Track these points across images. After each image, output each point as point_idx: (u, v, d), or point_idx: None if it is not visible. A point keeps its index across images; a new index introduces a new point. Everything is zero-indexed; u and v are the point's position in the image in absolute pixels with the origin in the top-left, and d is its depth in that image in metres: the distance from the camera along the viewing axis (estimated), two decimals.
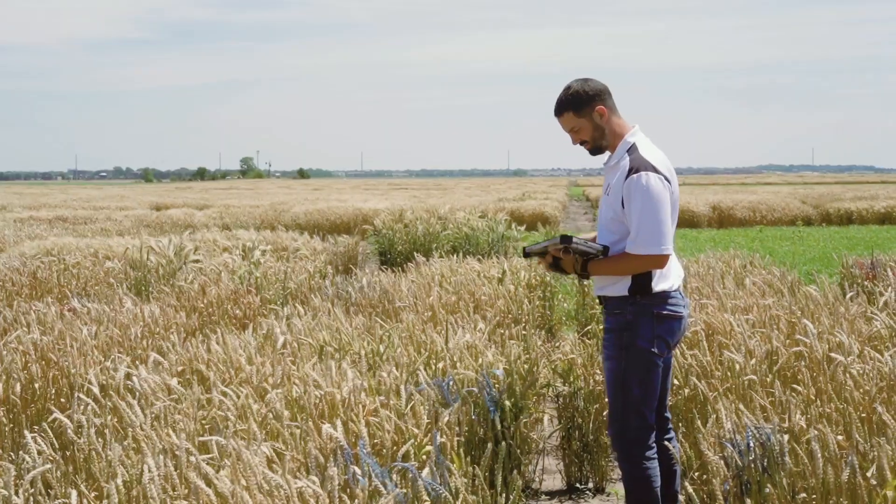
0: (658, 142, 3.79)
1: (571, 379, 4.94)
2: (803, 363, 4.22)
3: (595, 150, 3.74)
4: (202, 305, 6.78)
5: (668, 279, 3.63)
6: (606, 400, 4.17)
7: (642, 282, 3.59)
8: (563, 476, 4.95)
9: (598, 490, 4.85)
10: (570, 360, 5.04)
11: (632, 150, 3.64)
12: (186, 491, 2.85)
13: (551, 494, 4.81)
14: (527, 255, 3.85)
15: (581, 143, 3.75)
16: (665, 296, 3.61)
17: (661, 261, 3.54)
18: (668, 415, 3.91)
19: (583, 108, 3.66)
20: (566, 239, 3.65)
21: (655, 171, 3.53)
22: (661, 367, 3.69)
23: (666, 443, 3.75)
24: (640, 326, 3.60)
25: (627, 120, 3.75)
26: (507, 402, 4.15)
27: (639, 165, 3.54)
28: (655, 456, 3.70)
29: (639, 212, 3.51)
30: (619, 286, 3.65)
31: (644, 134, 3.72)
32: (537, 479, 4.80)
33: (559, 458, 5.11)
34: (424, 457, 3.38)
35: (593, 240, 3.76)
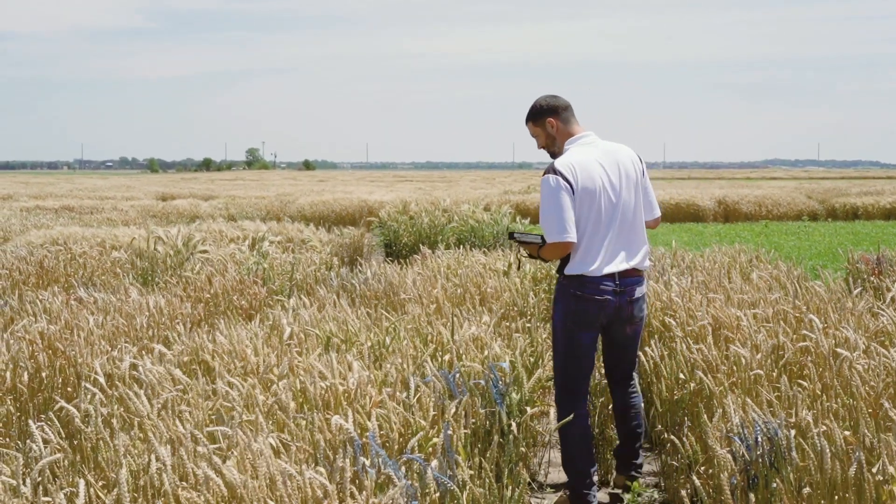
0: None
1: None
2: (809, 358, 4.21)
3: (552, 155, 4.32)
4: (208, 296, 6.79)
5: (587, 264, 4.11)
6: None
7: (562, 264, 4.21)
8: None
9: (603, 483, 4.85)
10: None
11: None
12: (194, 480, 2.86)
13: (556, 487, 4.80)
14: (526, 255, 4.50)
15: (543, 148, 4.37)
16: (579, 279, 4.13)
17: (565, 247, 4.08)
18: (633, 379, 4.48)
19: (537, 118, 4.32)
20: (511, 235, 4.37)
21: (554, 171, 4.08)
22: (582, 342, 4.21)
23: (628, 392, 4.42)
24: (558, 303, 4.25)
25: (583, 127, 4.31)
26: (514, 395, 4.15)
27: (547, 169, 4.14)
28: (583, 419, 4.26)
29: (540, 207, 4.15)
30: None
31: (596, 138, 4.26)
32: (542, 472, 4.80)
33: None
34: (430, 449, 3.38)
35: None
